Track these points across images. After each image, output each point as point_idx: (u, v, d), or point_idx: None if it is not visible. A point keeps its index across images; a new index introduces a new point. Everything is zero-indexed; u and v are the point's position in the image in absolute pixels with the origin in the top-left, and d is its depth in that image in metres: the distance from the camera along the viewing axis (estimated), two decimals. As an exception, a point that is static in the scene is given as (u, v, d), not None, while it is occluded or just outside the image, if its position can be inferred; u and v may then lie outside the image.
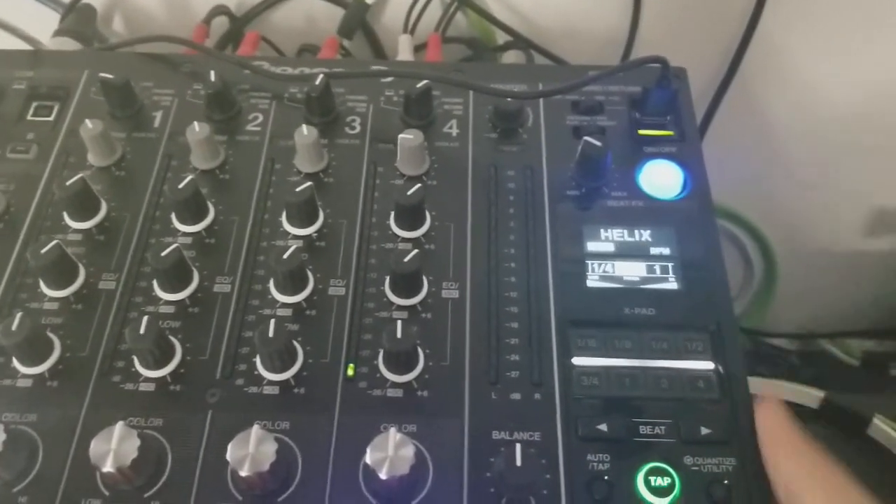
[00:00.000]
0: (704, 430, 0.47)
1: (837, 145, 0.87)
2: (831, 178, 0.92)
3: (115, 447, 0.42)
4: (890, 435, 0.70)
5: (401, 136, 0.55)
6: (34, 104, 0.61)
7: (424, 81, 0.58)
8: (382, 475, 0.42)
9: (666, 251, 0.54)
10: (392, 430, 0.43)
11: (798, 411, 0.74)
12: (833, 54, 0.78)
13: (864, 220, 0.97)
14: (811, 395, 0.74)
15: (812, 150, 0.88)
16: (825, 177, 0.91)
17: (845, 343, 1.07)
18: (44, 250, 0.49)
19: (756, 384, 0.74)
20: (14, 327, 0.46)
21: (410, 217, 0.53)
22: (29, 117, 0.60)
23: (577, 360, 0.49)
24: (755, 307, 1.06)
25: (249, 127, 0.60)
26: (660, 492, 0.45)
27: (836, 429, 0.73)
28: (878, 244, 0.99)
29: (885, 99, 0.82)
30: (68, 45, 0.71)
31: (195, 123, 0.55)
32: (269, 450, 0.42)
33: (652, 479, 0.45)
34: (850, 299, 1.06)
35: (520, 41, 0.76)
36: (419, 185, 0.53)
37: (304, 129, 0.55)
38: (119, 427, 0.43)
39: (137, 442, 0.43)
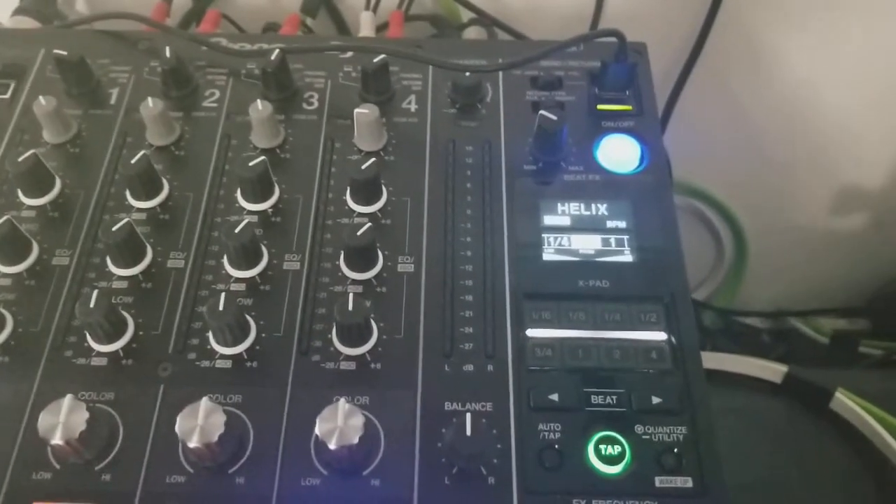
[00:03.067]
0: (656, 400, 0.47)
1: (805, 122, 0.87)
2: (800, 156, 0.92)
3: (63, 420, 0.42)
4: (852, 409, 0.70)
5: (356, 110, 0.55)
6: (-11, 82, 0.61)
7: (381, 56, 0.58)
8: (332, 445, 0.42)
9: (622, 224, 0.54)
10: (341, 400, 0.43)
11: (761, 386, 0.75)
12: (799, 30, 0.78)
13: (833, 197, 0.97)
14: (774, 370, 0.74)
15: (780, 127, 0.89)
16: (794, 154, 0.92)
17: (816, 321, 1.08)
18: (-5, 226, 0.49)
19: (720, 359, 0.75)
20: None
21: (366, 192, 0.53)
22: (-16, 95, 0.60)
23: (532, 332, 0.50)
24: (726, 286, 1.06)
25: (206, 103, 0.59)
26: (610, 460, 0.45)
27: (799, 404, 0.73)
28: (848, 222, 1.00)
29: (851, 75, 0.82)
30: (27, 24, 0.70)
31: (149, 99, 0.55)
32: (218, 421, 0.42)
33: (602, 447, 0.45)
34: (821, 277, 1.06)
35: (484, 18, 0.76)
36: (374, 159, 0.52)
37: (259, 103, 0.55)
38: (68, 399, 0.43)
39: (86, 414, 0.42)
